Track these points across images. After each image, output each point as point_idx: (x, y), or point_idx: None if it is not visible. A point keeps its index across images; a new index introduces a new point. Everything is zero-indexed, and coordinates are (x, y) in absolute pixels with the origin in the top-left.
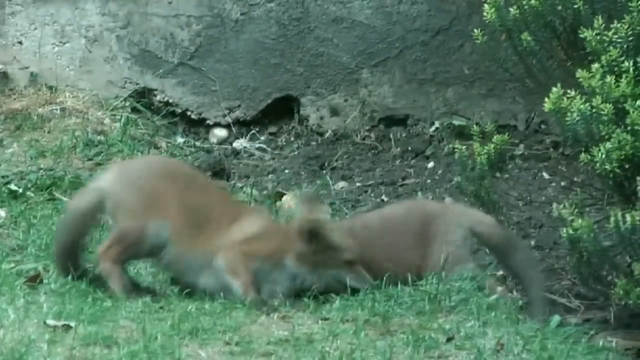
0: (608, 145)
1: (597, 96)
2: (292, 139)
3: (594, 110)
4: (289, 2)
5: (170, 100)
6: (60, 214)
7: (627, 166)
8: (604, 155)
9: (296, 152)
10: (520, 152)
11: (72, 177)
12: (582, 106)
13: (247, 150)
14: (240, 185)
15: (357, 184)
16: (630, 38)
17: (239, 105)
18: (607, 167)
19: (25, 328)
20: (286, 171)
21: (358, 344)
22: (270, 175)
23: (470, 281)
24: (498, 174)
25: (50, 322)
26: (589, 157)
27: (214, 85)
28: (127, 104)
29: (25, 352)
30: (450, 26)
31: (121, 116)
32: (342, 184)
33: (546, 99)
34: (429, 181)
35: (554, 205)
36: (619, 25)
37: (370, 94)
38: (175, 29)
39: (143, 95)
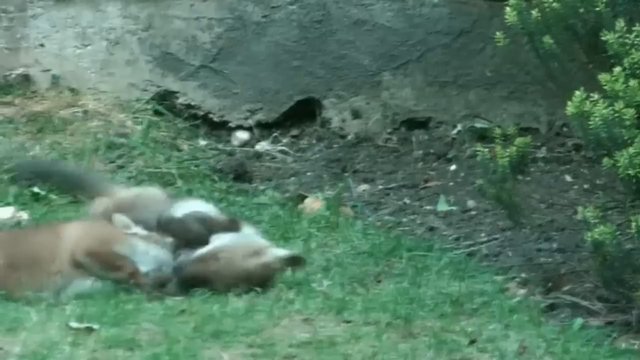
0: (631, 150)
1: (620, 100)
2: (314, 141)
3: (616, 115)
4: (310, 5)
5: (192, 103)
6: (82, 216)
7: None
8: (626, 160)
9: (318, 155)
10: (542, 155)
11: None
12: (604, 111)
13: (269, 153)
14: (262, 187)
15: (379, 187)
16: None
17: (261, 108)
18: (630, 172)
19: (47, 330)
20: (308, 174)
21: (380, 347)
22: (292, 178)
23: (492, 284)
24: (520, 177)
25: (73, 324)
26: (611, 161)
27: (236, 87)
28: (149, 106)
29: (47, 355)
30: (471, 29)
31: (143, 119)
32: (364, 186)
33: (569, 103)
34: (451, 184)
35: (579, 208)
36: None
37: (391, 97)
38: (197, 31)
39: (165, 98)
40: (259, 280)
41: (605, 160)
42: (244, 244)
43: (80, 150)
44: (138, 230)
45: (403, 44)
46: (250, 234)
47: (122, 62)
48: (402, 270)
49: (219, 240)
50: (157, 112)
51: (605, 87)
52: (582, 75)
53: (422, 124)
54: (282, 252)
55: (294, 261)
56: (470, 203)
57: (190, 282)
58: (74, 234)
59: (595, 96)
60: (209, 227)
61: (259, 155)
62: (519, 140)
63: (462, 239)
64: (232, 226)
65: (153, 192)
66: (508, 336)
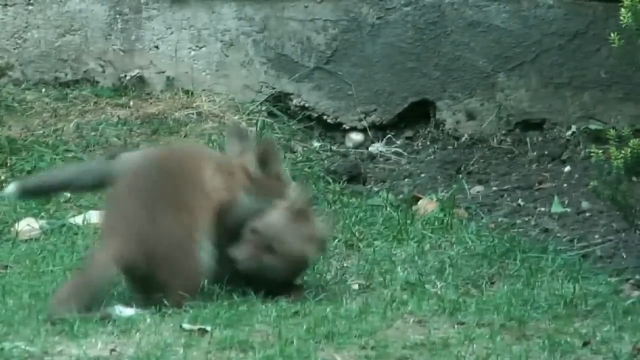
0: None
1: None
2: (428, 143)
3: None
4: (425, 7)
5: (307, 105)
6: None
7: None
8: None
9: (432, 157)
10: None
11: None
12: None
13: (383, 155)
14: (376, 189)
15: (494, 188)
16: None
17: (375, 110)
18: None
19: (161, 332)
20: (422, 175)
21: (494, 349)
22: (406, 180)
23: (607, 286)
24: (635, 178)
25: (186, 326)
26: None
27: (350, 89)
28: (264, 108)
29: (161, 356)
30: (587, 30)
31: (257, 120)
32: (478, 188)
33: None
34: (565, 185)
35: None
36: None
37: (506, 98)
38: (312, 33)
39: (279, 100)
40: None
41: None
42: (293, 222)
43: None
44: None
45: (518, 45)
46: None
47: (236, 64)
48: (516, 271)
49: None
50: (271, 114)
51: None
52: None
53: (536, 125)
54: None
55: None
56: (585, 204)
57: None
58: None
59: None
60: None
61: (373, 157)
62: (634, 142)
63: (577, 240)
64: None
65: None
66: (622, 338)
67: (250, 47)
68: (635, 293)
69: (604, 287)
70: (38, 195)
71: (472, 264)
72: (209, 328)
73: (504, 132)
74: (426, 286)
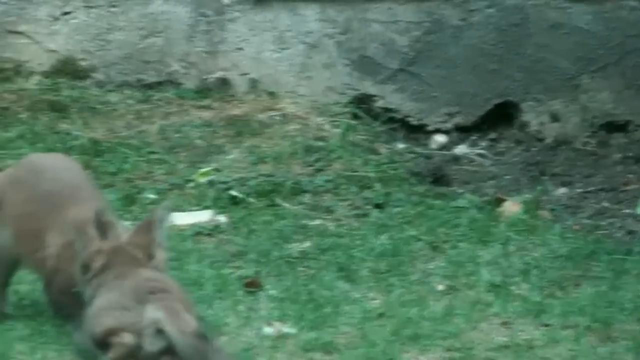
0: None
1: None
2: (512, 144)
3: None
4: (508, 8)
5: (390, 107)
6: (281, 219)
7: None
8: None
9: (516, 158)
10: None
11: (292, 183)
12: None
13: (467, 156)
14: (460, 191)
15: (578, 190)
16: None
17: (459, 112)
18: None
19: (246, 334)
20: (506, 177)
21: (579, 351)
22: (490, 181)
23: None
24: None
25: (271, 329)
26: None
27: (434, 91)
28: (347, 110)
29: (245, 358)
30: None
31: (341, 122)
32: (562, 190)
33: None
34: None
35: None
36: None
37: (590, 100)
38: (395, 34)
39: (363, 102)
40: None
41: None
42: None
43: (278, 154)
44: None
45: (601, 47)
46: None
47: (319, 66)
48: (601, 273)
49: None
50: (355, 116)
51: None
52: None
53: (620, 127)
54: None
55: None
56: None
57: None
58: None
59: None
60: None
61: (457, 159)
62: None
63: None
64: None
65: None
66: None
67: (333, 48)
68: None
69: None
70: None
71: (557, 266)
72: (293, 330)
73: (587, 133)
74: (511, 288)
